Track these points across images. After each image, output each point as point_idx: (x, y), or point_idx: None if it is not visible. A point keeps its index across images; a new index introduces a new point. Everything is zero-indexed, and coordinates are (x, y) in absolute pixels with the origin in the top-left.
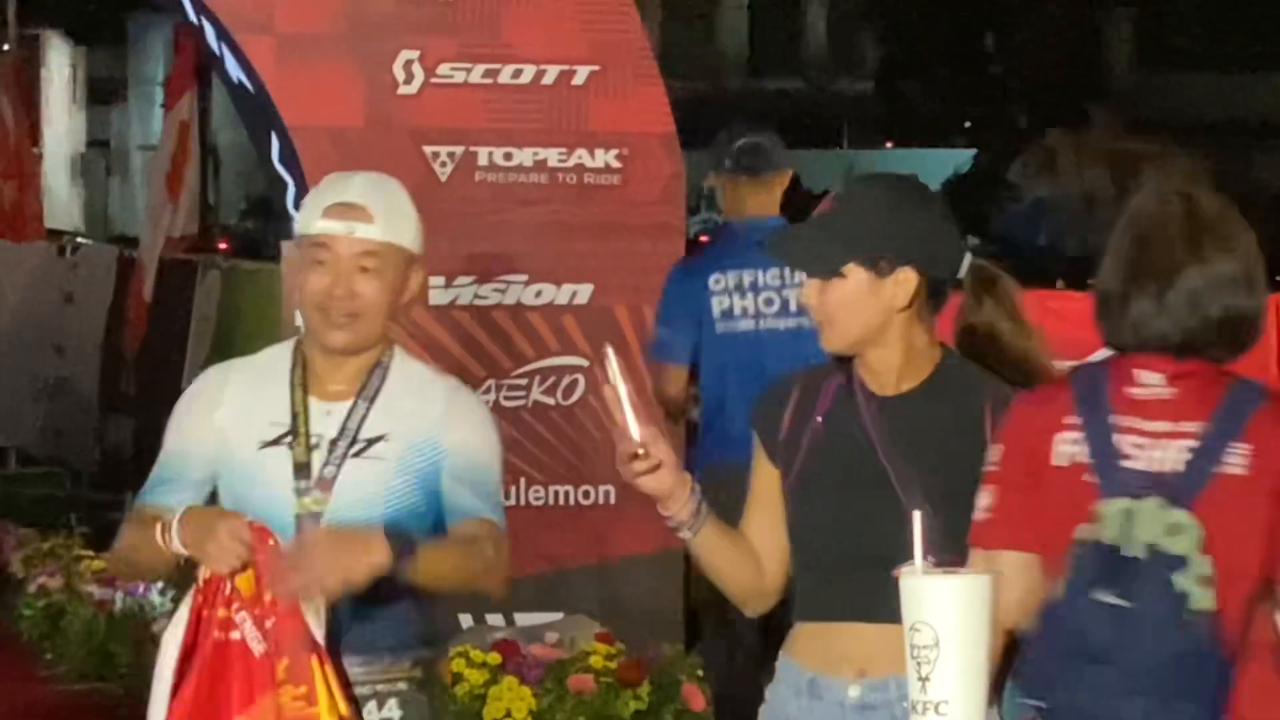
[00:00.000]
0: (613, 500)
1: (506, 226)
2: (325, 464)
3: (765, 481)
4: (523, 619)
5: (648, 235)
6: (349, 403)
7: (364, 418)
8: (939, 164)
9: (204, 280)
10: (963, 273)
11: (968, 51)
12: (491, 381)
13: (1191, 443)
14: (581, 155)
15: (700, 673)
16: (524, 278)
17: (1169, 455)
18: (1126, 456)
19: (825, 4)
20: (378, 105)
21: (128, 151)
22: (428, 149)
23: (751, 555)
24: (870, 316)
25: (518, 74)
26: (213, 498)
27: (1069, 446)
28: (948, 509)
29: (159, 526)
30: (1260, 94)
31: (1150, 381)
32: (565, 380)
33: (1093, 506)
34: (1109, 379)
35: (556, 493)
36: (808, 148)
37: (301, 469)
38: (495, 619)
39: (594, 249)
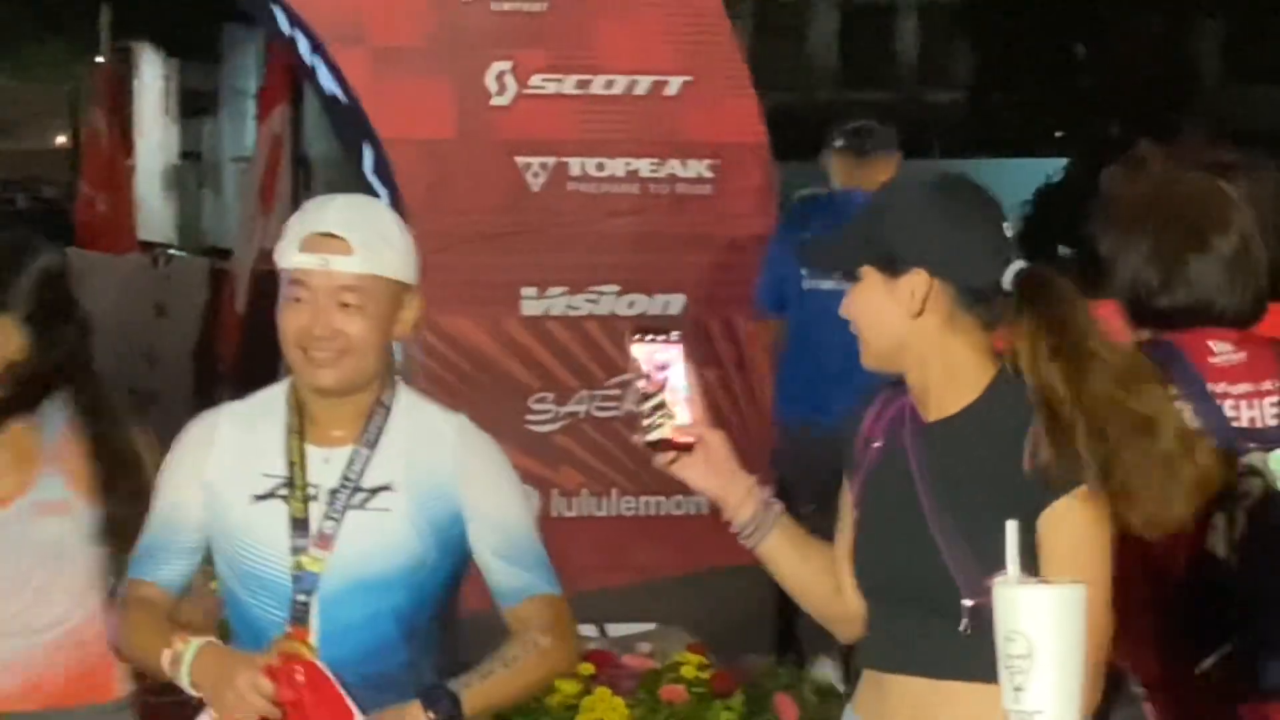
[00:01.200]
0: (705, 510)
1: (599, 237)
2: (325, 517)
3: (847, 500)
4: (615, 629)
5: (740, 246)
6: (349, 449)
7: (365, 466)
8: (1030, 173)
9: None
10: (1008, 282)
11: (1058, 62)
12: (585, 392)
13: (1275, 398)
14: (674, 165)
15: (789, 683)
16: (616, 288)
17: (1262, 413)
18: (1234, 418)
19: (915, 16)
20: (470, 117)
21: (220, 163)
22: (520, 160)
23: (827, 574)
24: (888, 325)
25: (610, 84)
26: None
27: None
28: (985, 541)
29: (167, 655)
30: None
31: (1223, 350)
32: None
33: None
34: (1186, 352)
35: (649, 503)
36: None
37: (299, 524)
38: (588, 629)
39: (686, 259)
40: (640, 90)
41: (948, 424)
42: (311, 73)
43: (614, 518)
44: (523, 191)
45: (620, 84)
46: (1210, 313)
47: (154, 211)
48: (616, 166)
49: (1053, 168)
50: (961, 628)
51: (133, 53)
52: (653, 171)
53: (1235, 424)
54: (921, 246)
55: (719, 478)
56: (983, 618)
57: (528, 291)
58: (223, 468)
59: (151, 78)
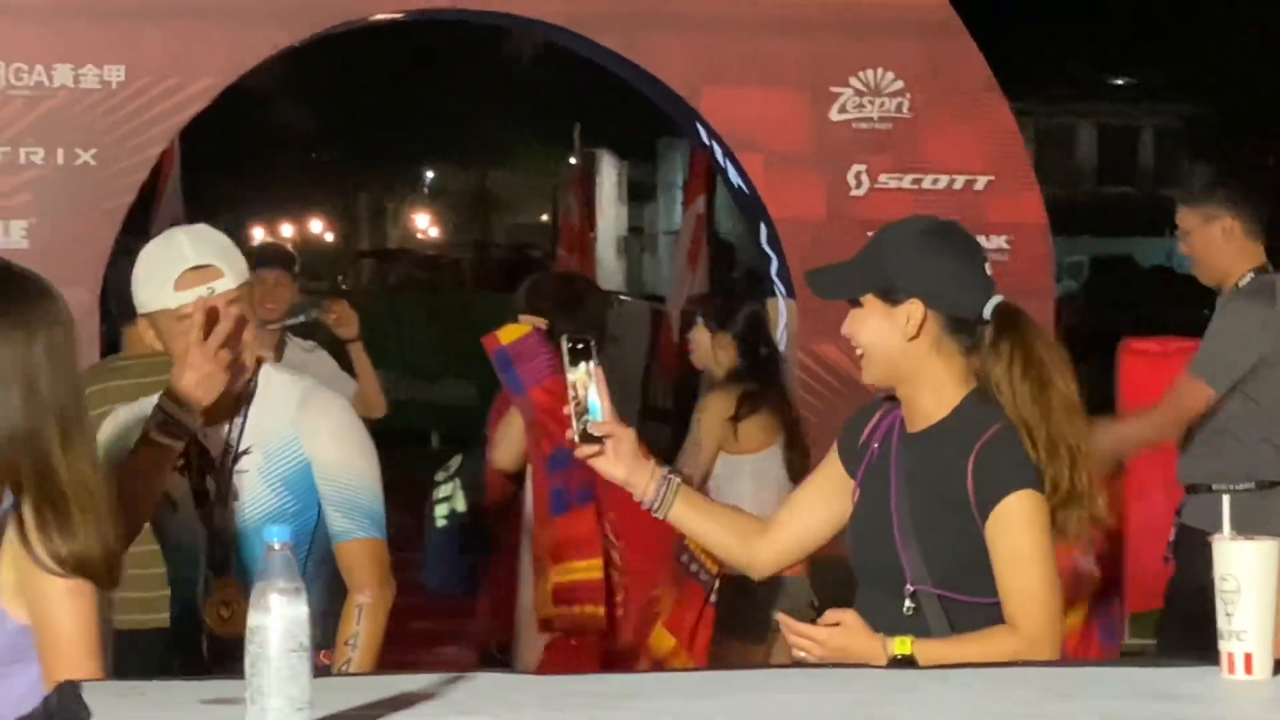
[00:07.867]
0: None
1: None
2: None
3: (827, 470)
4: None
5: (1027, 296)
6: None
7: (240, 433)
8: None
9: None
10: (988, 312)
11: (1260, 165)
12: None
13: None
14: (980, 240)
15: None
16: None
17: None
18: None
19: (1153, 133)
20: (836, 204)
21: (655, 235)
22: (871, 235)
23: (732, 531)
24: (889, 346)
25: (936, 181)
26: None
27: None
28: (927, 544)
29: (149, 425)
30: None
31: None
32: None
33: None
34: None
35: None
36: (1140, 235)
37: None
38: None
39: None
40: (957, 186)
41: (924, 435)
42: (723, 171)
43: None
44: None
45: (943, 181)
46: None
47: (610, 268)
48: None
49: None
50: (905, 609)
51: (596, 156)
52: None
53: None
54: (918, 280)
55: (624, 467)
56: (920, 601)
57: None
58: None
59: (608, 174)
